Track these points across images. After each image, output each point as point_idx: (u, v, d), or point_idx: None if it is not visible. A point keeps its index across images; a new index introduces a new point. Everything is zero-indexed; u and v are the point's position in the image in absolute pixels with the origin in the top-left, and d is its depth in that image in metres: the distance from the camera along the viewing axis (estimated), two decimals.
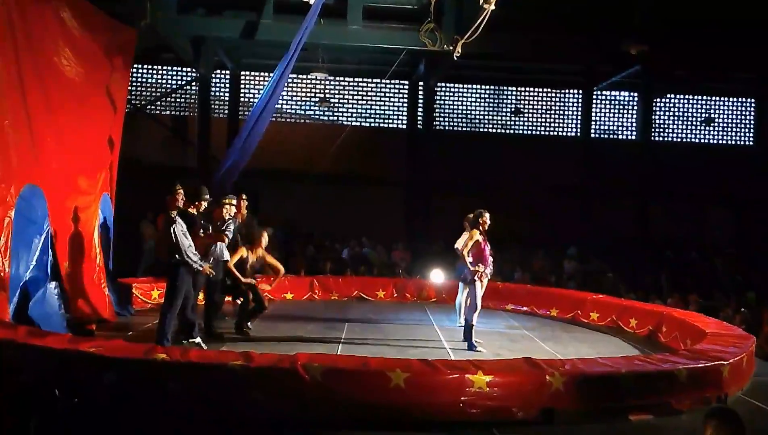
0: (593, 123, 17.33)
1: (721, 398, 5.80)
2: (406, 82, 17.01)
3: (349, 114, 17.19)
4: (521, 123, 17.62)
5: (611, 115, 17.81)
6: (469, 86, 17.44)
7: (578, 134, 17.38)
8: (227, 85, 16.73)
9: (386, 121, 17.32)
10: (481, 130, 17.52)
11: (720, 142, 17.96)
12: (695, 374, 5.67)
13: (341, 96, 17.18)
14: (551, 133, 17.68)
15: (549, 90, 17.61)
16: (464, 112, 17.54)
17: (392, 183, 16.48)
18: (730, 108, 18.01)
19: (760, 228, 16.17)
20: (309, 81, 16.69)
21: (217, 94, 16.70)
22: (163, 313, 6.84)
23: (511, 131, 17.57)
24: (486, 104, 17.61)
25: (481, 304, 7.88)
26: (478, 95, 17.55)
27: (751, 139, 18.02)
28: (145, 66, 16.47)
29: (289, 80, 14.59)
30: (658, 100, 17.55)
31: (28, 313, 6.90)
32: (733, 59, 13.23)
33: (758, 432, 4.49)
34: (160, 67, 16.60)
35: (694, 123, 17.92)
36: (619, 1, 12.18)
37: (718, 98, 17.90)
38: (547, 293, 11.20)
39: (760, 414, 5.69)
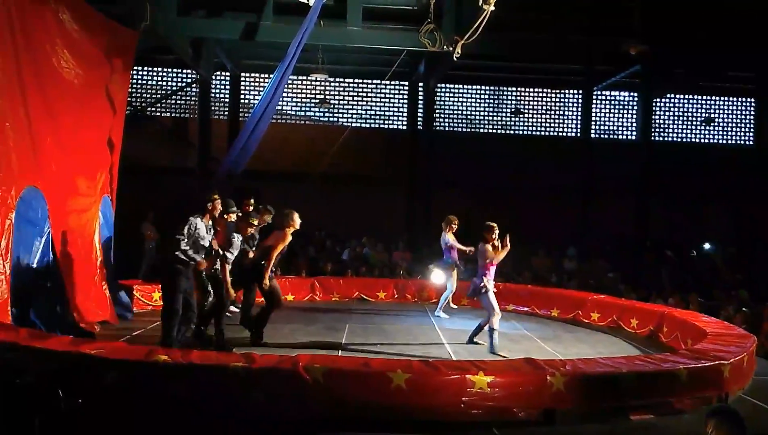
0: (593, 123, 17.32)
1: (722, 398, 5.80)
2: (406, 83, 17.03)
3: (350, 115, 17.20)
4: (521, 123, 17.63)
5: (611, 115, 17.82)
6: (469, 87, 17.45)
7: (578, 134, 17.38)
8: (227, 87, 16.75)
9: (386, 121, 17.33)
10: (481, 130, 17.53)
11: (720, 142, 17.97)
12: (696, 374, 5.67)
13: (341, 97, 17.20)
14: (551, 134, 17.69)
15: (549, 90, 17.63)
16: (464, 112, 17.55)
17: (392, 184, 16.49)
18: (730, 108, 18.03)
19: (759, 227, 16.18)
20: (309, 82, 16.70)
21: (218, 95, 16.72)
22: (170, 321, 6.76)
23: (511, 131, 17.58)
24: (486, 105, 17.62)
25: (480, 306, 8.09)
26: (477, 96, 17.56)
27: (751, 139, 18.03)
28: (145, 68, 16.48)
29: (290, 81, 14.60)
30: (658, 100, 17.55)
31: (29, 316, 6.91)
32: (733, 59, 13.24)
33: (759, 431, 4.48)
34: (160, 68, 16.61)
35: (694, 123, 17.94)
36: (618, 2, 12.19)
37: (717, 98, 17.92)
38: (548, 293, 11.21)
39: (761, 413, 5.69)
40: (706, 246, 16.76)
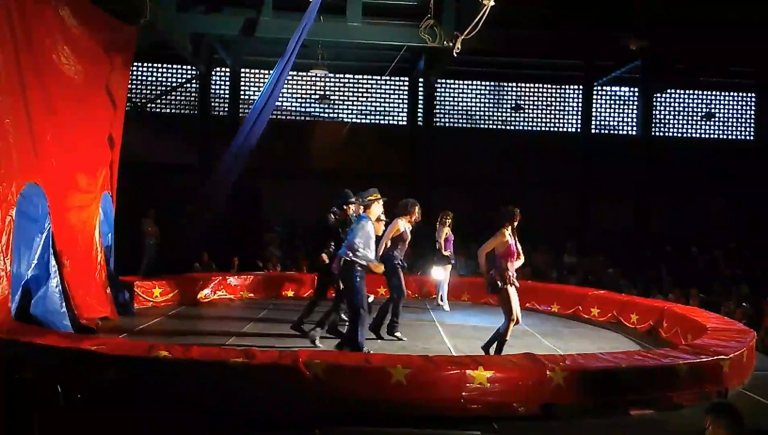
0: (593, 118, 17.31)
1: (721, 393, 5.80)
2: (406, 79, 17.00)
3: (350, 111, 17.18)
4: (521, 119, 17.62)
5: (611, 110, 17.80)
6: (469, 82, 17.43)
7: (579, 130, 17.37)
8: (227, 83, 16.73)
9: (386, 117, 17.31)
10: (482, 126, 17.52)
11: (720, 136, 17.96)
12: (696, 369, 5.68)
13: (341, 93, 17.17)
14: (552, 129, 17.68)
15: (549, 85, 17.60)
16: (464, 108, 17.53)
17: (392, 179, 16.42)
18: (730, 103, 18.01)
19: (760, 222, 16.18)
20: (309, 78, 16.66)
21: (217, 91, 16.70)
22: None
23: (512, 127, 17.57)
24: (486, 100, 17.60)
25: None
26: (478, 91, 17.55)
27: (752, 133, 18.02)
28: (145, 64, 16.46)
29: (289, 77, 14.59)
30: (659, 95, 17.52)
31: (29, 312, 6.91)
32: (733, 54, 13.21)
33: (759, 426, 4.49)
34: (159, 64, 16.59)
35: (695, 118, 17.92)
36: None
37: (718, 93, 17.91)
38: (548, 289, 11.16)
39: (760, 408, 5.70)
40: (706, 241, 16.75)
